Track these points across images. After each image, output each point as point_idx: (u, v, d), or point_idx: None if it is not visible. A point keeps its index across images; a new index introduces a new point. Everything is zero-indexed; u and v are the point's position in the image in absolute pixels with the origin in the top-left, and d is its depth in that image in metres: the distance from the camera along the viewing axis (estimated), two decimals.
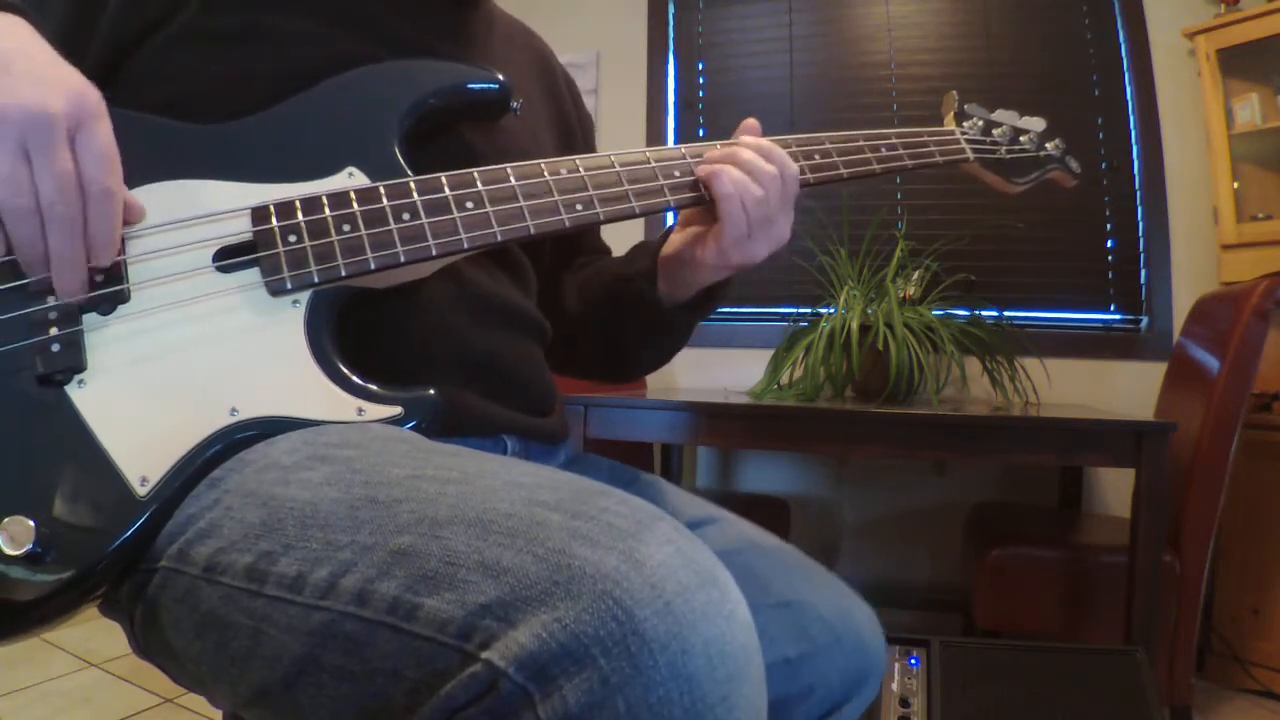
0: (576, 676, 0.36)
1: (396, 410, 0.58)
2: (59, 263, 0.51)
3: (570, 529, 0.40)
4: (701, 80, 2.79)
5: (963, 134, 0.86)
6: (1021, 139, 0.90)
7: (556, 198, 0.64)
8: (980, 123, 0.89)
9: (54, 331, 0.51)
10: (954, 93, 0.90)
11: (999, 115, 0.90)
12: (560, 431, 0.80)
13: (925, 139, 0.83)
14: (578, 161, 0.66)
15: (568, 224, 0.64)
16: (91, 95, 0.52)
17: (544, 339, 0.80)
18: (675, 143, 2.74)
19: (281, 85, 0.62)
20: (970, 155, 0.85)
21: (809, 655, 0.69)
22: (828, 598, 0.73)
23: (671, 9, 2.80)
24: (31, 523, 0.47)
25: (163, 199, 0.56)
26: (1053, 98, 2.45)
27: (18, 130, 0.48)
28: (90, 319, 0.53)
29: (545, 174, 0.65)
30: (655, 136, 2.77)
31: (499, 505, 0.42)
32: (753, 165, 0.69)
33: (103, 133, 0.51)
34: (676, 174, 0.70)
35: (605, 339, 0.86)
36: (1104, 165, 2.41)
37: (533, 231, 0.63)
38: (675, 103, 2.79)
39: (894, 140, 0.80)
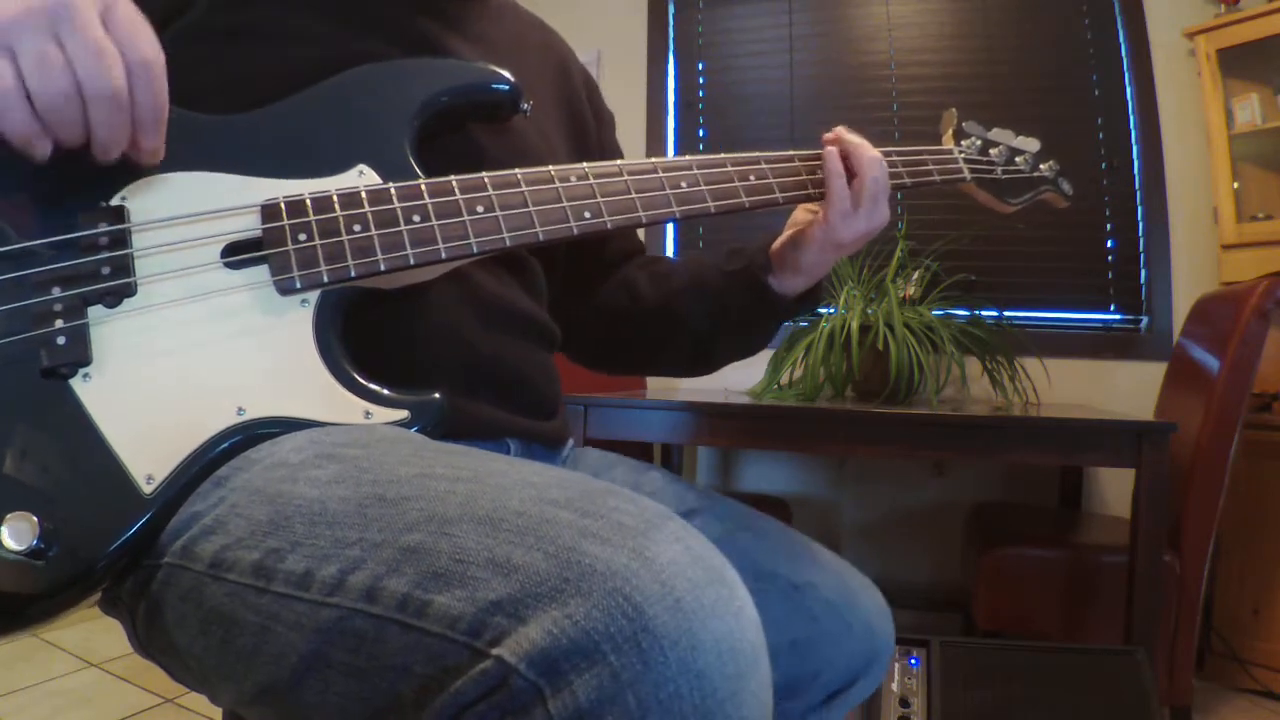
0: (587, 672, 0.36)
1: (403, 414, 0.58)
2: (105, 143, 0.50)
3: (580, 527, 0.40)
4: (701, 80, 2.79)
5: (960, 153, 0.87)
6: (1017, 159, 0.91)
7: (565, 204, 0.64)
8: (978, 142, 0.89)
9: (59, 324, 0.51)
10: (953, 110, 0.90)
11: (996, 134, 0.91)
12: (563, 434, 0.81)
13: (924, 157, 0.84)
14: (587, 169, 0.67)
15: (576, 231, 0.64)
16: None
17: (552, 344, 0.80)
18: (675, 143, 2.77)
19: (290, 82, 0.62)
20: (968, 175, 0.86)
21: (816, 638, 0.70)
22: (833, 581, 0.74)
23: (671, 9, 2.80)
24: (35, 518, 0.46)
25: (171, 190, 0.56)
26: (1053, 98, 2.45)
27: (46, 16, 0.47)
28: (96, 312, 0.52)
29: (555, 180, 0.65)
30: (655, 136, 2.77)
31: (508, 503, 0.42)
32: (853, 153, 0.77)
33: (131, 8, 0.51)
34: (683, 185, 0.70)
35: (698, 331, 0.86)
36: (1104, 165, 2.41)
37: (541, 238, 0.63)
38: (675, 103, 2.79)
39: (894, 158, 0.81)
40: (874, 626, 0.74)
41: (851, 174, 0.75)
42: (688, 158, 0.72)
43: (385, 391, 0.58)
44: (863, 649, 0.73)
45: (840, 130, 0.78)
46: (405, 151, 0.62)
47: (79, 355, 0.51)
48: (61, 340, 0.51)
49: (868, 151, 0.76)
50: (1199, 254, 2.31)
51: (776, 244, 0.82)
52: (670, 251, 2.78)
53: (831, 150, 0.76)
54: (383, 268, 0.58)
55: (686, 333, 0.86)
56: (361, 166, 0.61)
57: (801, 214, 0.81)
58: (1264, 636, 1.90)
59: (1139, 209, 2.39)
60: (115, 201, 0.55)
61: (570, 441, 0.84)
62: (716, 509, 0.78)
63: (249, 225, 0.57)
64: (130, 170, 0.55)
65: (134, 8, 0.51)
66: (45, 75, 0.47)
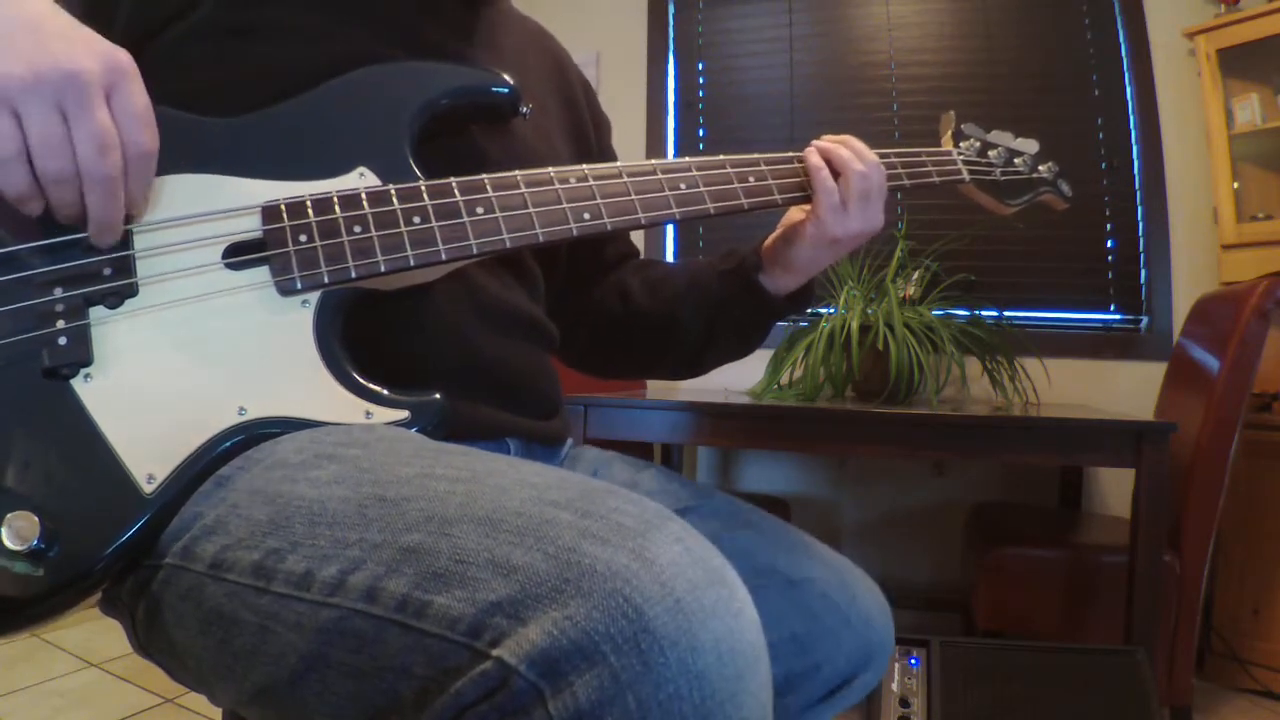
0: (587, 673, 0.36)
1: (403, 414, 0.58)
2: (99, 224, 0.51)
3: (580, 528, 0.40)
4: (701, 80, 2.79)
5: (959, 155, 0.88)
6: (1015, 161, 0.91)
7: (565, 206, 0.64)
8: (977, 144, 0.90)
9: (60, 324, 0.51)
10: (952, 113, 0.91)
11: (995, 136, 0.92)
12: (562, 433, 0.81)
13: (923, 159, 0.85)
14: (586, 170, 0.67)
15: (575, 233, 0.64)
16: (122, 56, 0.51)
17: (551, 345, 0.80)
18: (675, 143, 2.77)
19: (295, 82, 0.62)
20: (966, 177, 0.87)
21: (815, 633, 0.70)
22: (833, 576, 0.74)
23: (671, 9, 2.80)
24: (36, 518, 0.46)
25: (173, 192, 0.56)
26: (1053, 97, 2.45)
27: (54, 90, 0.47)
28: (97, 312, 0.52)
29: (555, 182, 0.65)
30: (655, 137, 2.77)
31: (508, 504, 0.42)
32: (832, 153, 0.77)
33: (138, 93, 0.51)
34: (682, 186, 0.70)
35: (691, 332, 0.86)
36: (1104, 165, 2.41)
37: (541, 240, 0.63)
38: (675, 103, 2.79)
39: (893, 159, 0.81)
40: (873, 622, 0.74)
41: (836, 172, 0.76)
42: (687, 159, 0.72)
43: (385, 392, 0.58)
44: (862, 644, 0.73)
45: (824, 138, 0.79)
46: (405, 153, 0.62)
47: (80, 355, 0.51)
48: (63, 340, 0.51)
49: (845, 151, 0.76)
50: (1199, 254, 2.31)
51: (768, 241, 0.83)
52: (670, 253, 2.78)
53: (810, 149, 0.77)
54: (383, 269, 0.58)
55: (681, 336, 0.86)
56: (362, 168, 0.61)
57: (796, 213, 0.81)
58: (1264, 636, 1.90)
59: (1139, 209, 2.39)
60: None
61: (569, 440, 0.84)
62: (714, 505, 0.78)
63: (250, 226, 0.57)
64: None
65: (139, 85, 0.52)
66: (48, 153, 0.48)
